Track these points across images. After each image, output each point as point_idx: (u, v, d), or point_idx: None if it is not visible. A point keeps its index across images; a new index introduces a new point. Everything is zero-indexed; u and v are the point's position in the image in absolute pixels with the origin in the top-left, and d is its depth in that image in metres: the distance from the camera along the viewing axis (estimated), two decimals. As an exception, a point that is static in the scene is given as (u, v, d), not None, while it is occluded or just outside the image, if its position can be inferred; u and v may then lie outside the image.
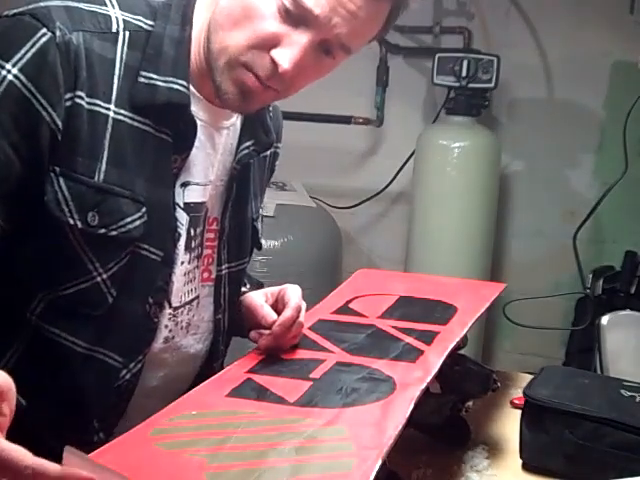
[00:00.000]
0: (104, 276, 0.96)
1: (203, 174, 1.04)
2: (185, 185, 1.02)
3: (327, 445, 0.81)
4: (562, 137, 2.82)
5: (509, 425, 1.17)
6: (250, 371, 1.01)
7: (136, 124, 0.95)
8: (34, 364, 0.95)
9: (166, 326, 1.04)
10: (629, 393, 1.08)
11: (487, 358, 2.92)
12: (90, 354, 0.97)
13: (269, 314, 1.10)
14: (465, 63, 2.61)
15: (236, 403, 0.92)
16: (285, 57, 0.91)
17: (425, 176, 2.74)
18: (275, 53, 0.92)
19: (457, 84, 2.64)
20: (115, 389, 1.00)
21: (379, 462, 0.78)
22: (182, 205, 1.02)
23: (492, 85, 2.63)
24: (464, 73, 2.61)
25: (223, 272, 1.11)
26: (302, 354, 1.06)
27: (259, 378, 0.98)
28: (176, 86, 0.96)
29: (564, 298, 2.69)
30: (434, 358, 1.02)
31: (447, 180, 2.69)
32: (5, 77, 0.87)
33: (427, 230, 2.70)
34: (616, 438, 1.00)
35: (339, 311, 1.22)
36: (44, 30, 0.88)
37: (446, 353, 1.03)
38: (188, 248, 1.04)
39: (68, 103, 0.89)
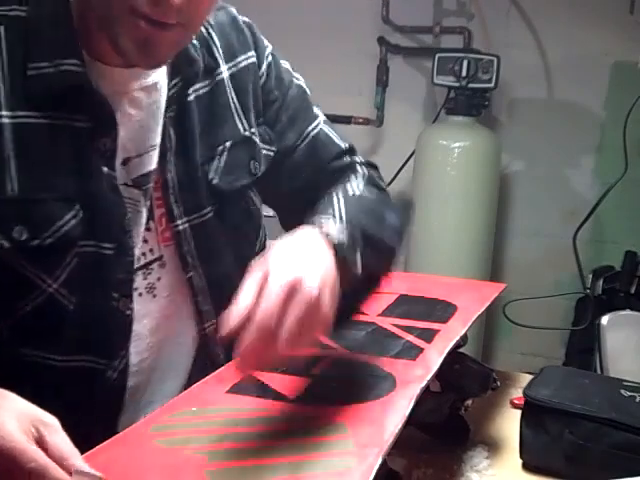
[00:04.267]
0: (55, 286, 0.90)
1: (142, 143, 0.96)
2: (126, 162, 0.95)
3: (327, 443, 0.81)
4: (562, 137, 2.82)
5: (509, 425, 1.17)
6: (250, 369, 1.01)
7: (43, 121, 0.88)
8: (18, 390, 0.86)
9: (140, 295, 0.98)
10: (629, 393, 1.08)
11: (487, 358, 2.92)
12: (69, 364, 0.93)
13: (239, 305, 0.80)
14: (465, 63, 2.61)
15: (236, 400, 0.91)
16: None
17: (425, 176, 2.74)
18: None
19: (457, 84, 2.64)
20: (104, 392, 0.97)
21: (379, 460, 0.78)
22: (130, 182, 0.95)
23: (492, 85, 2.63)
24: (464, 73, 2.61)
25: (180, 227, 1.00)
26: (302, 350, 1.05)
27: (259, 374, 0.98)
28: (67, 67, 0.88)
29: (564, 298, 2.69)
30: (434, 356, 1.02)
31: (447, 180, 2.69)
32: None
33: (427, 230, 2.69)
34: (616, 438, 1.00)
35: (339, 310, 1.21)
36: None
37: (446, 351, 1.03)
38: (150, 222, 0.98)
39: None
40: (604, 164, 2.78)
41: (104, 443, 0.79)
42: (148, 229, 0.99)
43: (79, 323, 0.93)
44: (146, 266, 0.99)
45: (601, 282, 2.62)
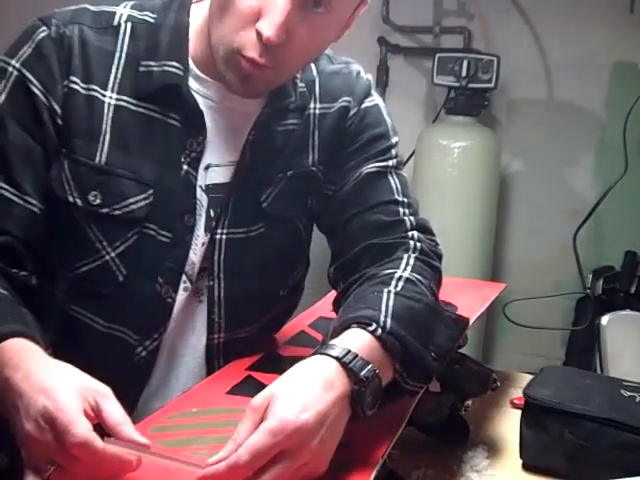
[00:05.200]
0: (112, 254, 1.00)
1: (225, 155, 1.04)
2: (208, 167, 1.03)
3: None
4: (562, 137, 2.82)
5: (509, 425, 1.17)
6: (250, 368, 1.01)
7: (141, 110, 1.00)
8: (64, 343, 0.96)
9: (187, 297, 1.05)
10: (629, 393, 1.08)
11: (487, 358, 2.92)
12: (108, 331, 1.02)
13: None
14: (465, 63, 2.61)
15: (236, 400, 0.91)
16: (267, 24, 0.90)
17: (425, 176, 2.74)
18: (258, 25, 0.91)
19: (457, 84, 2.64)
20: (132, 365, 1.03)
21: (380, 461, 0.78)
22: (204, 187, 1.03)
23: (492, 85, 2.63)
24: (464, 73, 2.61)
25: (218, 236, 1.05)
26: (302, 351, 1.06)
27: (259, 375, 0.98)
28: (169, 68, 1.00)
29: (564, 298, 2.69)
30: (434, 357, 1.02)
31: (447, 180, 2.69)
32: (12, 72, 0.98)
33: (427, 230, 2.69)
34: (616, 438, 1.00)
35: (339, 310, 1.21)
36: (43, 27, 0.99)
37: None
38: (208, 229, 1.04)
39: (65, 89, 0.97)
40: (604, 164, 2.77)
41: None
42: (210, 239, 1.04)
43: (124, 295, 1.01)
44: (199, 272, 1.05)
45: (601, 282, 2.63)
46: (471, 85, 2.63)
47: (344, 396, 0.79)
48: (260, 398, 0.76)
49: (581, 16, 2.72)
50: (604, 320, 2.44)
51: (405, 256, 1.03)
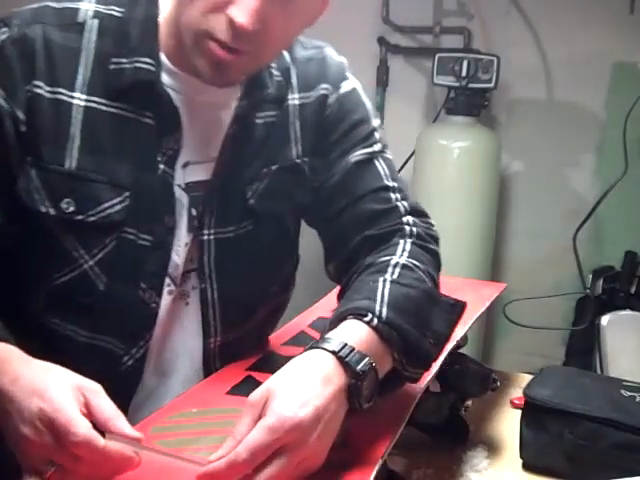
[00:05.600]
0: (91, 263, 0.96)
1: (203, 152, 1.01)
2: (186, 165, 1.00)
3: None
4: (562, 137, 2.82)
5: (509, 425, 1.17)
6: (250, 368, 1.01)
7: (113, 110, 0.95)
8: (43, 356, 0.94)
9: (173, 301, 1.02)
10: (629, 393, 1.08)
11: (487, 358, 2.92)
12: (91, 342, 0.99)
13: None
14: (465, 63, 2.61)
15: (236, 401, 0.91)
16: (240, 11, 0.86)
17: (425, 176, 2.74)
18: (230, 10, 0.87)
19: (457, 84, 2.64)
20: (119, 375, 1.00)
21: (380, 461, 0.78)
22: (183, 186, 1.00)
23: (492, 85, 2.63)
24: (464, 73, 2.61)
25: (205, 237, 1.02)
26: (302, 351, 1.05)
27: (259, 375, 0.98)
28: (141, 64, 0.95)
29: (564, 298, 2.69)
30: (434, 357, 1.02)
31: (447, 180, 2.68)
32: None
33: (427, 230, 2.69)
34: (616, 438, 1.00)
35: (339, 310, 1.21)
36: (3, 29, 0.94)
37: (446, 351, 1.03)
38: (191, 229, 1.01)
39: (28, 94, 0.93)
40: (604, 164, 2.77)
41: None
42: (193, 239, 1.01)
43: (106, 304, 0.98)
44: (184, 274, 1.02)
45: (601, 282, 2.62)
46: (471, 85, 2.62)
47: (341, 390, 0.79)
48: (258, 394, 0.76)
49: (581, 16, 2.72)
50: (604, 320, 2.44)
51: (401, 242, 1.02)
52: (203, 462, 0.73)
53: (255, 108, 1.03)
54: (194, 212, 1.01)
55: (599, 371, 2.40)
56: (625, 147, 2.47)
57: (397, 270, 0.95)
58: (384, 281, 0.92)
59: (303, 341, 1.09)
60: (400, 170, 2.88)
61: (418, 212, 1.09)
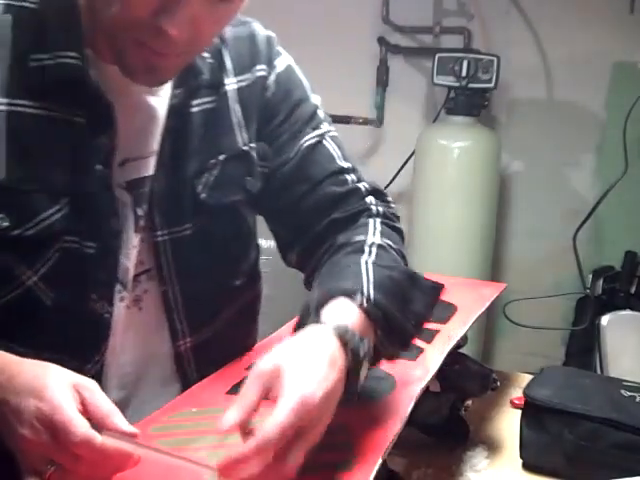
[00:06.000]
0: (34, 279, 0.90)
1: (142, 146, 0.95)
2: (124, 163, 0.94)
3: (327, 443, 0.81)
4: (562, 137, 2.82)
5: (509, 425, 1.17)
6: (250, 368, 1.01)
7: (38, 112, 0.88)
8: None
9: (127, 307, 0.97)
10: (629, 393, 1.08)
11: (487, 358, 2.92)
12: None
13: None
14: (465, 63, 2.61)
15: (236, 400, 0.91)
16: (171, 21, 0.81)
17: (425, 176, 2.74)
18: (161, 21, 0.81)
19: (457, 84, 2.64)
20: None
21: (379, 461, 0.78)
22: (124, 184, 0.94)
23: (492, 85, 2.63)
24: (464, 73, 2.61)
25: (160, 239, 0.97)
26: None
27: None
28: (65, 60, 0.88)
29: (564, 298, 2.69)
30: (434, 356, 1.02)
31: (447, 180, 2.68)
32: None
33: (427, 230, 2.69)
34: (616, 438, 1.00)
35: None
36: None
37: (446, 351, 1.03)
38: (139, 230, 0.96)
39: None
40: (604, 164, 2.77)
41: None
42: (142, 240, 0.98)
43: (55, 320, 0.92)
44: (135, 278, 0.98)
45: (601, 282, 2.62)
46: (471, 85, 2.62)
47: (343, 373, 0.79)
48: (268, 365, 0.75)
49: (581, 16, 2.72)
50: (604, 320, 2.44)
51: (370, 221, 1.03)
52: (202, 462, 0.72)
53: (191, 96, 0.99)
54: (139, 212, 0.96)
55: (599, 371, 2.40)
56: (625, 147, 2.46)
57: (374, 250, 0.96)
58: (366, 263, 0.92)
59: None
60: (400, 170, 2.90)
61: (378, 192, 1.10)
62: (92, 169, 0.91)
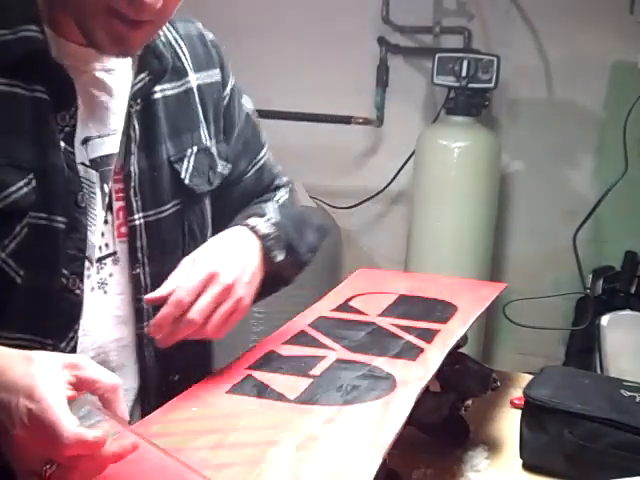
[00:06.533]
0: (2, 255, 0.89)
1: (103, 124, 0.96)
2: (87, 141, 0.95)
3: (327, 443, 0.81)
4: (562, 137, 2.82)
5: (509, 425, 1.17)
6: (250, 368, 1.01)
7: (4, 88, 0.88)
8: None
9: (92, 289, 0.97)
10: (629, 393, 1.08)
11: (487, 358, 2.92)
12: (15, 343, 0.88)
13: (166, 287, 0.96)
14: (465, 63, 2.61)
15: (236, 400, 0.91)
16: None
17: (425, 176, 2.74)
18: None
19: (457, 84, 2.64)
20: None
21: (379, 461, 0.78)
22: (88, 162, 0.95)
23: (492, 85, 2.63)
24: (464, 73, 2.61)
25: (137, 222, 1.00)
26: (302, 351, 1.05)
27: (259, 375, 0.98)
28: (26, 33, 0.88)
29: (564, 298, 2.69)
30: (434, 356, 1.02)
31: (447, 180, 2.68)
32: None
33: (427, 230, 2.69)
34: (616, 438, 1.00)
35: (339, 309, 1.21)
36: None
37: (446, 351, 1.03)
38: (106, 206, 0.97)
39: None
40: (604, 164, 2.77)
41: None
42: (105, 222, 0.99)
43: (26, 299, 0.91)
44: (100, 260, 0.98)
45: (601, 282, 2.63)
46: (471, 85, 2.63)
47: (255, 244, 1.03)
48: (188, 258, 0.97)
49: (581, 16, 2.72)
50: (604, 320, 2.44)
51: (279, 191, 1.22)
52: (193, 468, 0.72)
53: (156, 79, 1.02)
54: (106, 188, 0.97)
55: (599, 371, 2.40)
56: (625, 147, 2.46)
57: (280, 201, 1.18)
58: (272, 202, 1.15)
59: (303, 340, 1.09)
60: (400, 170, 2.90)
61: (286, 182, 1.26)
62: (56, 144, 0.91)
